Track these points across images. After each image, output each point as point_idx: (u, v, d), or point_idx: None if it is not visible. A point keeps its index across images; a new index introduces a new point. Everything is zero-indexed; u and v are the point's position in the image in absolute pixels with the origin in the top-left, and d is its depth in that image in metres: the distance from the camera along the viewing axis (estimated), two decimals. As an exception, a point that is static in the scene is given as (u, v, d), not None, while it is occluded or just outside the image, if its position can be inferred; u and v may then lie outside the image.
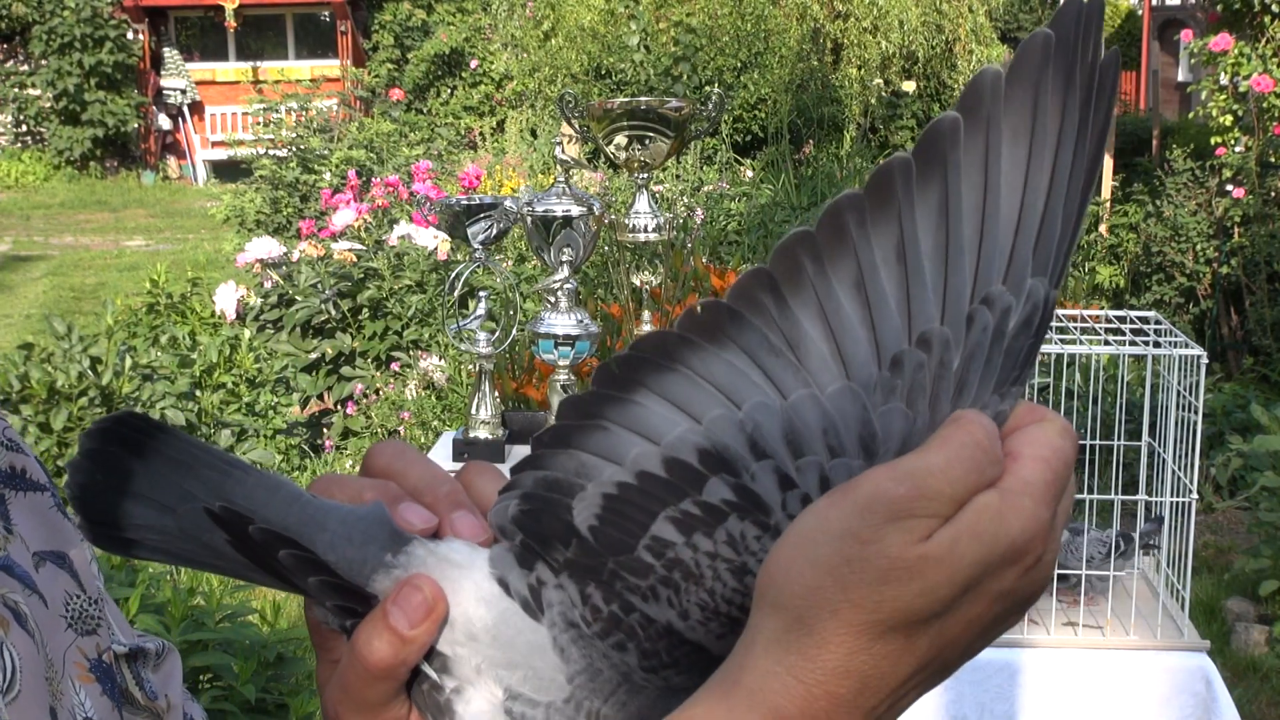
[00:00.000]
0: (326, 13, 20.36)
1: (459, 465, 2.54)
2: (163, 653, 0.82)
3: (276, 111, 11.73)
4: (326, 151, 10.55)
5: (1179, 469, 2.38)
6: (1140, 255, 8.43)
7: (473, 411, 2.55)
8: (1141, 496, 2.49)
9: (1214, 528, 5.32)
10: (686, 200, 9.14)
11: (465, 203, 2.54)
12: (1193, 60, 8.94)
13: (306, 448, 6.10)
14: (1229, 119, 8.08)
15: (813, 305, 0.53)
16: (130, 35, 18.95)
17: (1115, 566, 2.40)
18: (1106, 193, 9.43)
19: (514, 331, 2.60)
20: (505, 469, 0.60)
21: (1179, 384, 2.36)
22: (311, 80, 13.73)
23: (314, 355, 6.34)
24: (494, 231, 2.54)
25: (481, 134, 15.09)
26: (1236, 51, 7.91)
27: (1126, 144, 10.80)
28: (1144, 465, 2.48)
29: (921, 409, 0.53)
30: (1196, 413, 2.33)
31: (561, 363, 2.42)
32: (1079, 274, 8.55)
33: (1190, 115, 12.68)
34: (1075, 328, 2.53)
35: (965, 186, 0.53)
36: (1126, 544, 2.40)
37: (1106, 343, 2.43)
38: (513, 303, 2.62)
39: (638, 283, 2.58)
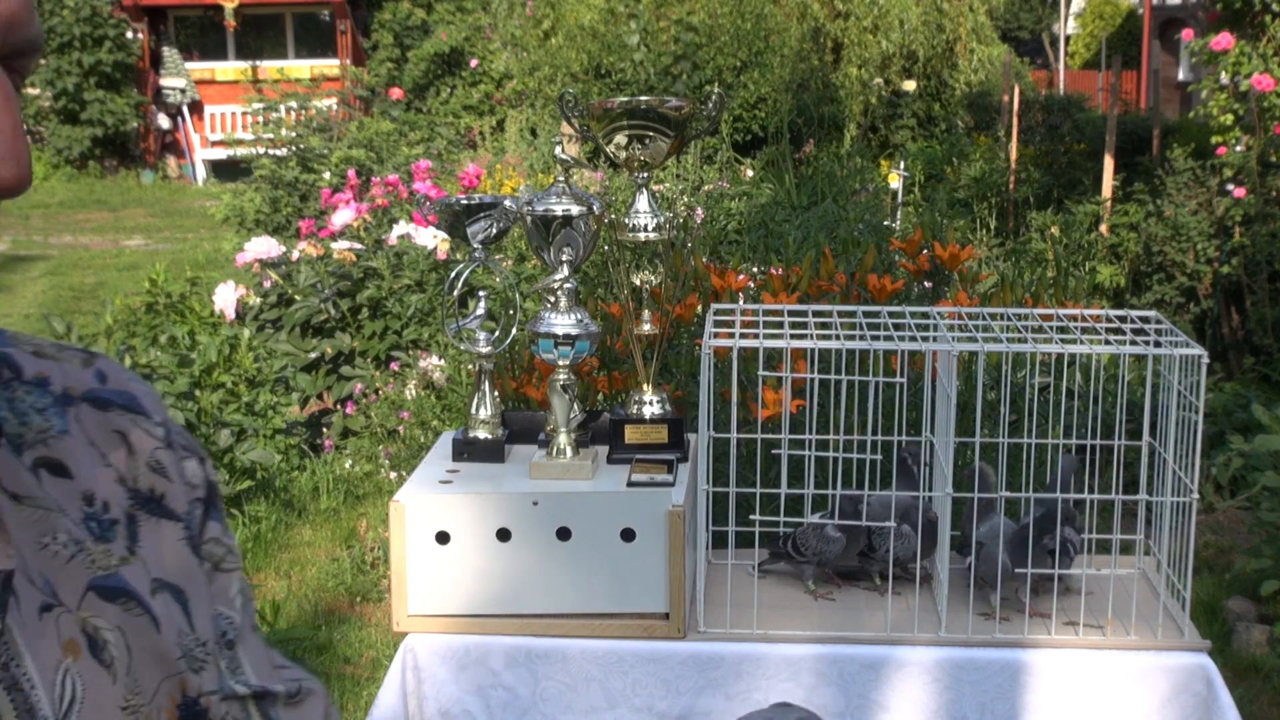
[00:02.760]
0: (326, 12, 20.35)
1: (456, 464, 2.52)
2: (297, 694, 0.83)
3: (276, 111, 11.72)
4: (326, 151, 10.54)
5: (1180, 469, 2.38)
6: (1141, 255, 8.43)
7: (473, 411, 2.55)
8: (1142, 496, 2.48)
9: (1214, 528, 5.31)
10: (686, 200, 9.13)
11: (465, 202, 2.53)
12: (1193, 59, 8.93)
13: (306, 447, 6.10)
14: (1230, 118, 8.07)
15: None
16: (129, 34, 18.93)
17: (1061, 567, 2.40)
18: (1107, 192, 9.42)
19: (514, 331, 2.60)
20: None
21: (1180, 384, 2.36)
22: (311, 80, 13.71)
23: (313, 355, 6.34)
24: (494, 231, 2.53)
25: (481, 133, 15.08)
26: (1237, 51, 7.90)
27: (1127, 143, 10.78)
28: (1145, 465, 2.48)
29: None
30: (1197, 412, 2.32)
31: (561, 363, 2.42)
32: (1079, 274, 8.54)
33: (1191, 115, 12.67)
34: (1075, 327, 2.53)
35: None
36: (1070, 549, 2.41)
37: (1107, 342, 2.42)
38: (513, 303, 2.62)
39: (638, 282, 2.57)
